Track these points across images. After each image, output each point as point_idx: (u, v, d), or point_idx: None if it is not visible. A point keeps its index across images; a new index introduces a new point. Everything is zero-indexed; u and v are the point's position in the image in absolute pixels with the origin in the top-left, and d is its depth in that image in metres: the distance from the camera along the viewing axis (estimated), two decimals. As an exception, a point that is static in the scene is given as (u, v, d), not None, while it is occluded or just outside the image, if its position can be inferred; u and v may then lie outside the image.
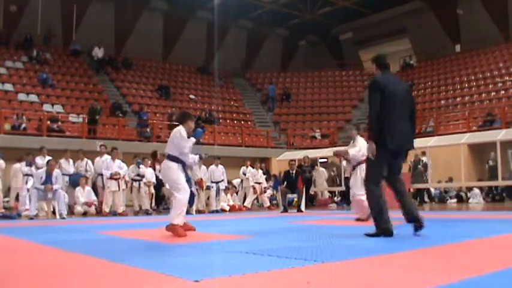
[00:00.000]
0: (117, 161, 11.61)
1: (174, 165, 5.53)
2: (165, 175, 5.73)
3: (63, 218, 9.71)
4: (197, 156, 6.30)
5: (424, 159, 14.60)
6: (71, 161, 12.28)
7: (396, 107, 4.68)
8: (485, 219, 8.12)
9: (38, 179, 9.99)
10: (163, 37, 25.72)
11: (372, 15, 26.59)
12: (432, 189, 16.52)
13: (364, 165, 6.69)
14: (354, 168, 7.44)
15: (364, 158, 6.62)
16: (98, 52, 21.92)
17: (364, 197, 6.53)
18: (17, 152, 13.63)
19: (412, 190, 14.88)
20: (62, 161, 12.07)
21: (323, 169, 16.47)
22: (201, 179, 12.58)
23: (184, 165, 5.69)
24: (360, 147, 7.04)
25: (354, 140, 7.39)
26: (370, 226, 5.00)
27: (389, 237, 4.61)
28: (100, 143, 13.55)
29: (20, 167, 13.19)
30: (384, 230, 4.67)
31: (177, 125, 5.77)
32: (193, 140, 5.64)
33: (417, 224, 4.78)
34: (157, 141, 17.66)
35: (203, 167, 13.15)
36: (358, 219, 7.23)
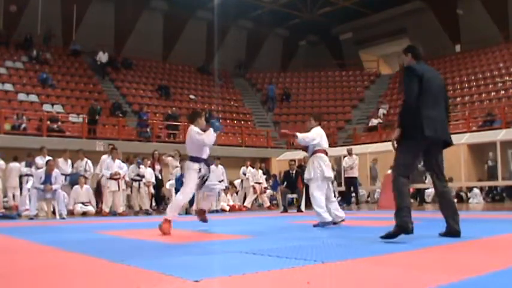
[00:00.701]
0: (117, 161, 11.61)
1: (195, 166, 5.72)
2: (185, 174, 6.00)
3: (63, 218, 9.71)
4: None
5: (423, 159, 14.58)
6: (69, 161, 12.28)
7: (433, 95, 4.51)
8: (485, 219, 8.12)
9: (38, 179, 9.99)
10: (163, 37, 25.72)
11: (372, 15, 26.60)
12: (432, 189, 16.53)
13: (318, 155, 6.54)
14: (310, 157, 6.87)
15: (318, 148, 6.58)
16: (102, 57, 21.73)
17: (315, 193, 6.41)
18: (17, 152, 13.66)
19: (412, 190, 14.90)
20: (60, 160, 12.07)
21: None
22: None
23: (207, 165, 5.86)
24: (313, 135, 6.56)
25: (310, 129, 6.85)
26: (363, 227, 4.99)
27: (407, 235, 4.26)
28: (107, 143, 13.53)
29: (20, 167, 13.22)
30: (402, 226, 4.25)
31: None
32: (211, 130, 5.77)
33: (455, 235, 4.45)
34: (157, 141, 17.66)
35: None
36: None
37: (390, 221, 7.58)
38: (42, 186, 9.86)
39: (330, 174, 6.58)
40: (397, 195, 4.37)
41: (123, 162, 11.90)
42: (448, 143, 4.65)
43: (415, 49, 4.86)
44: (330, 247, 4.16)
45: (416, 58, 4.78)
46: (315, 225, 6.38)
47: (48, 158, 11.36)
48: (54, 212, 10.15)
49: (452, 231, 4.48)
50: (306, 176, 6.70)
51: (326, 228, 6.20)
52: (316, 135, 6.61)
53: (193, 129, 5.76)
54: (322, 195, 6.44)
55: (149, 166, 12.77)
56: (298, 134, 6.58)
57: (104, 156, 12.16)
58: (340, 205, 12.79)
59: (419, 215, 9.83)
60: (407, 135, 4.45)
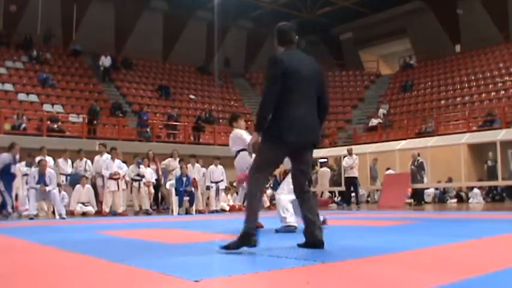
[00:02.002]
0: (117, 161, 11.62)
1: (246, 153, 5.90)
2: (243, 162, 6.05)
3: (63, 218, 9.71)
4: None
5: (419, 158, 14.62)
6: (69, 161, 12.28)
7: (300, 90, 3.75)
8: (485, 219, 8.12)
9: (32, 179, 9.96)
10: (163, 37, 25.71)
11: (372, 15, 26.59)
12: (432, 189, 16.53)
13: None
14: None
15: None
16: (105, 61, 21.61)
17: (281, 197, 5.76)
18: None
19: (411, 190, 14.91)
20: (60, 160, 12.08)
21: (327, 169, 16.47)
22: (194, 179, 12.62)
23: None
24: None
25: None
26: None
27: (253, 247, 3.63)
28: (99, 142, 13.54)
29: (19, 166, 13.20)
30: (244, 237, 3.63)
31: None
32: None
33: (319, 246, 3.76)
34: (157, 141, 17.66)
35: (197, 165, 13.16)
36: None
37: (390, 221, 7.58)
38: (37, 186, 9.85)
39: None
40: (249, 198, 3.79)
41: (123, 162, 11.91)
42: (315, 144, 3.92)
43: (282, 32, 3.98)
44: (329, 247, 4.16)
45: (285, 44, 3.96)
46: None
47: (47, 158, 11.38)
48: (54, 212, 10.15)
49: (312, 241, 3.78)
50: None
51: (325, 228, 6.19)
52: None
53: (240, 132, 6.24)
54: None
55: (148, 166, 12.79)
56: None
57: (97, 157, 12.17)
58: (340, 205, 12.83)
59: (419, 215, 9.84)
60: (268, 138, 3.75)
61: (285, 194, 5.67)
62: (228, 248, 3.63)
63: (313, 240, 3.77)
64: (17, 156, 10.48)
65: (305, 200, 3.91)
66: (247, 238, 3.61)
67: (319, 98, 3.88)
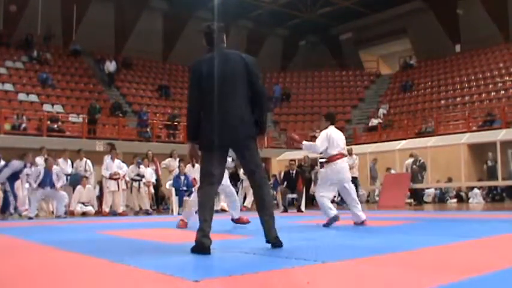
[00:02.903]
0: (117, 161, 11.62)
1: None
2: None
3: (65, 217, 9.72)
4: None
5: (420, 158, 14.62)
6: (69, 161, 12.29)
7: (220, 92, 3.68)
8: (485, 219, 8.12)
9: (35, 178, 9.96)
10: (163, 37, 25.71)
11: (372, 15, 26.59)
12: (432, 189, 16.53)
13: (333, 164, 6.59)
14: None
15: (333, 154, 6.61)
16: (110, 66, 21.47)
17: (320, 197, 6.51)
18: (17, 152, 13.62)
19: (410, 191, 14.91)
20: (60, 160, 12.08)
21: None
22: (194, 179, 12.61)
23: None
24: (318, 143, 6.48)
25: (324, 129, 6.74)
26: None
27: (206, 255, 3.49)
28: (105, 143, 13.55)
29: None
30: (198, 245, 3.55)
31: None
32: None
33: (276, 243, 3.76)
34: (157, 141, 17.65)
35: (197, 166, 13.15)
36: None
37: (390, 221, 7.58)
38: (36, 186, 9.85)
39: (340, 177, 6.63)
40: (199, 207, 3.74)
41: (122, 162, 11.91)
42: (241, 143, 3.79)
43: (205, 34, 3.98)
44: (330, 247, 4.16)
45: (206, 42, 3.98)
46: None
47: (40, 157, 11.43)
48: (53, 212, 10.16)
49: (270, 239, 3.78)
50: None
51: (326, 228, 6.22)
52: (322, 141, 6.50)
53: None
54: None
55: (148, 166, 12.79)
56: (305, 143, 6.62)
57: (106, 157, 12.19)
58: (340, 205, 12.84)
59: (419, 215, 9.84)
60: (200, 145, 3.78)
61: (319, 193, 6.58)
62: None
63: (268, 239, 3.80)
64: (28, 164, 10.62)
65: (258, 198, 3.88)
66: (200, 246, 3.52)
67: (251, 88, 3.78)
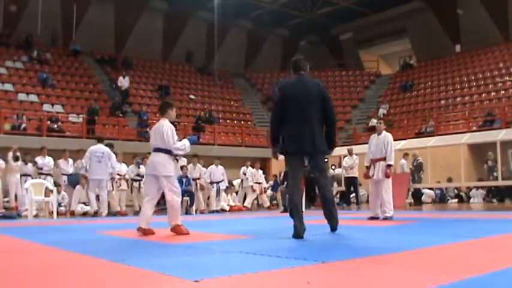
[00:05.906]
0: (113, 162, 11.58)
1: None
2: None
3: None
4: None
5: (418, 159, 14.63)
6: (70, 160, 12.28)
7: (296, 110, 4.73)
8: (485, 219, 8.12)
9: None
10: (163, 37, 25.71)
11: (372, 15, 26.59)
12: (430, 190, 16.52)
13: (382, 162, 7.73)
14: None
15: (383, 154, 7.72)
16: (123, 81, 20.39)
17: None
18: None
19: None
20: (61, 161, 12.08)
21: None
22: (195, 179, 12.63)
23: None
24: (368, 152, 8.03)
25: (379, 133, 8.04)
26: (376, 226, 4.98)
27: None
28: (106, 143, 13.52)
29: (20, 166, 13.19)
30: (295, 231, 4.64)
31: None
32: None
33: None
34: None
35: (198, 166, 13.16)
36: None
37: (390, 221, 7.58)
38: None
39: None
40: (290, 203, 4.93)
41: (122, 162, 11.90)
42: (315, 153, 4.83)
43: (293, 63, 4.99)
44: (330, 247, 4.16)
45: (293, 71, 4.98)
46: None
47: (48, 158, 11.40)
48: (52, 212, 10.16)
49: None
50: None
51: (326, 228, 6.21)
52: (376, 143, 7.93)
53: (170, 126, 5.58)
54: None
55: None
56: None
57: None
58: (339, 205, 12.85)
59: (419, 215, 9.84)
60: (282, 151, 4.85)
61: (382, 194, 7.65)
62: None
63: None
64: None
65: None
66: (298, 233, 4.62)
67: (324, 111, 4.80)
